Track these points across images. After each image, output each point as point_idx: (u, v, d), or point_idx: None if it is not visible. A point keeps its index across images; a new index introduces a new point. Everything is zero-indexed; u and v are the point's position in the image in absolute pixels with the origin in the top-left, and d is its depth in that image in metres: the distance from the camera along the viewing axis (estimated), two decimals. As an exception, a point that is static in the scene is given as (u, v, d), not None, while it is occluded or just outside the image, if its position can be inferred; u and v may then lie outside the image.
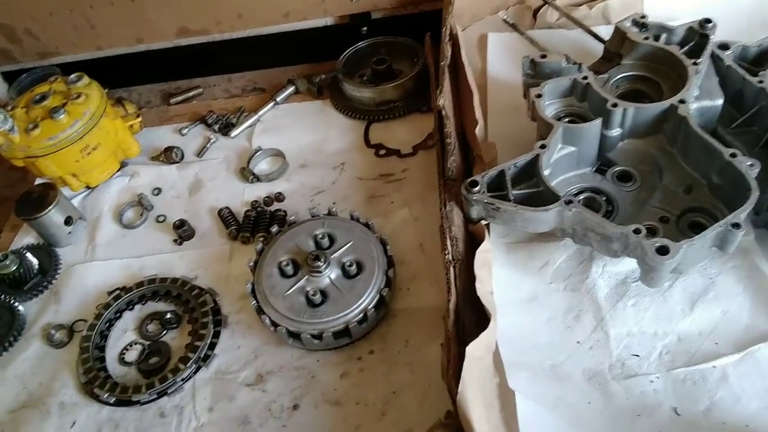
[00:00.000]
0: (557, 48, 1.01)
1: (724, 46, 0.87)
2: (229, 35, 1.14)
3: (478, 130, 0.87)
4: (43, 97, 0.95)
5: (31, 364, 0.83)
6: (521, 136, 0.93)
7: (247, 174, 0.99)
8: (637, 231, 0.70)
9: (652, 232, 0.75)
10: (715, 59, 0.86)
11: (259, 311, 0.77)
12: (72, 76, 0.98)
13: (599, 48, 0.95)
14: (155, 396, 0.77)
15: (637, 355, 0.74)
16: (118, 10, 1.08)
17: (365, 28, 1.13)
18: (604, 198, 0.82)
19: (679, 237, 0.74)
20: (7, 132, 0.90)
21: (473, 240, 0.80)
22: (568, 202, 0.73)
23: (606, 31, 0.99)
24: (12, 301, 0.88)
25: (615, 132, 0.83)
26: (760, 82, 0.82)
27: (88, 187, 1.03)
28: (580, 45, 1.03)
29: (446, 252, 0.73)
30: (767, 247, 0.79)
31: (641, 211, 0.79)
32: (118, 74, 1.18)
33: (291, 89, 1.11)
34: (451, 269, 0.71)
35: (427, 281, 0.83)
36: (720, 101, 0.83)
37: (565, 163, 0.84)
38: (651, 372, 0.72)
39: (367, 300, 0.76)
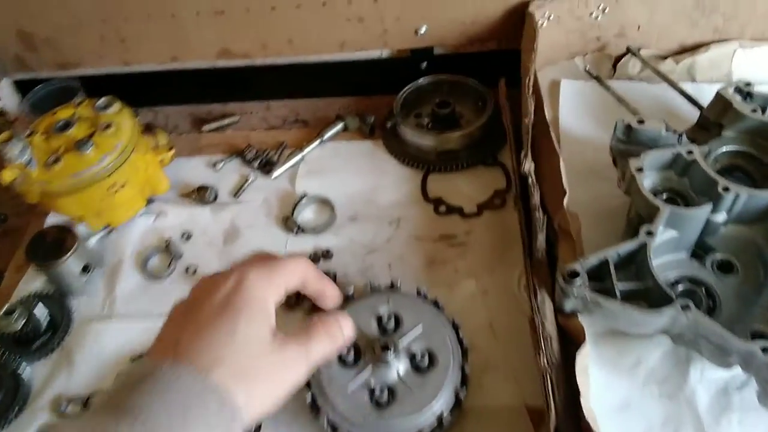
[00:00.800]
0: (639, 104, 0.92)
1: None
2: (274, 60, 1.03)
3: (565, 201, 0.78)
4: (67, 125, 0.84)
5: (36, 446, 0.72)
6: (602, 203, 0.84)
7: (291, 224, 0.89)
8: (765, 349, 0.61)
9: (763, 339, 0.66)
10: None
11: (314, 407, 0.67)
12: (101, 100, 0.87)
13: (684, 106, 0.88)
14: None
15: (743, 482, 0.65)
16: (155, 24, 0.98)
17: (425, 63, 1.03)
18: (704, 290, 0.73)
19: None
20: (24, 165, 0.79)
21: (563, 334, 0.70)
22: (685, 307, 0.64)
23: (692, 89, 0.91)
24: (17, 364, 0.76)
25: (720, 216, 0.74)
26: None
27: (107, 226, 0.91)
28: (665, 102, 0.94)
29: (540, 354, 0.63)
30: None
31: (747, 311, 0.70)
32: (142, 91, 1.08)
33: (340, 126, 1.00)
34: (548, 378, 0.62)
35: (500, 374, 0.73)
36: (833, 185, 0.75)
37: (662, 248, 0.74)
38: (760, 504, 0.63)
39: (442, 401, 0.66)
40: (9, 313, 0.76)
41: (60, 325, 0.81)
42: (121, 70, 1.06)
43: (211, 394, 0.46)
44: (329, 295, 0.64)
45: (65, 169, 0.80)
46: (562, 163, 0.82)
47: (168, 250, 0.88)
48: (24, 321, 0.77)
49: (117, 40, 1.00)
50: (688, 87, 0.93)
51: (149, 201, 0.94)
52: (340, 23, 0.97)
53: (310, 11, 0.96)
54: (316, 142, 1.00)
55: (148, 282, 0.87)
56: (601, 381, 0.72)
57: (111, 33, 0.99)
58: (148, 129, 0.95)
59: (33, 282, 0.87)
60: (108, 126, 0.84)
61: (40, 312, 0.80)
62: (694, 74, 0.98)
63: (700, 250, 0.76)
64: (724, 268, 0.75)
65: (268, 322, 0.53)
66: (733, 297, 0.72)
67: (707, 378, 0.72)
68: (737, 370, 0.71)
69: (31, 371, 0.78)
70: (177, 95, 1.10)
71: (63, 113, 0.87)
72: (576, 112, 0.96)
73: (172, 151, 0.94)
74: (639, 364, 0.73)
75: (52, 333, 0.80)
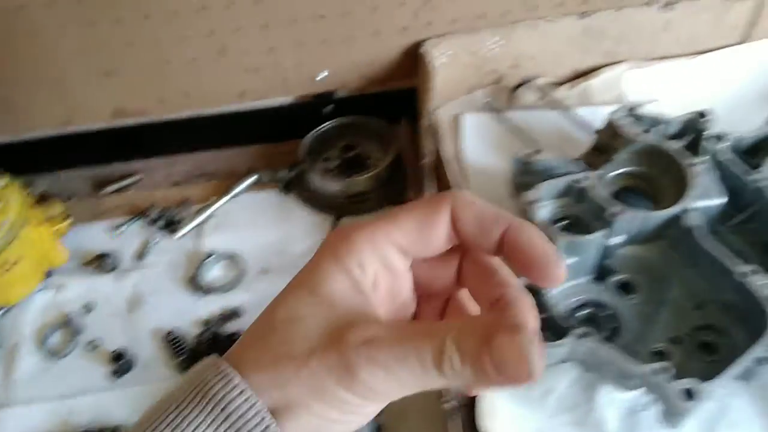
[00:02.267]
0: (538, 131, 0.97)
1: (718, 138, 0.84)
2: (174, 115, 1.03)
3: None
4: (-52, 203, 0.82)
5: None
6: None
7: (196, 285, 0.88)
8: (660, 371, 0.64)
9: (664, 357, 0.70)
10: (711, 152, 0.83)
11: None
12: (-15, 176, 0.85)
13: (581, 131, 0.93)
14: None
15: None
16: (44, 89, 0.97)
17: (329, 107, 1.05)
18: (607, 313, 0.76)
19: (691, 361, 0.70)
20: None
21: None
22: (583, 335, 0.67)
23: (587, 113, 0.96)
24: None
25: (617, 240, 0.78)
26: (757, 181, 0.79)
27: (2, 306, 0.89)
28: (562, 128, 0.99)
29: (444, 399, 0.65)
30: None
31: (649, 329, 0.74)
32: (38, 158, 1.06)
33: (251, 180, 1.01)
34: (453, 420, 0.63)
35: (420, 416, 0.74)
36: (721, 200, 0.79)
37: (563, 275, 0.77)
38: None
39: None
40: None
41: (-46, 417, 0.78)
42: (12, 139, 1.04)
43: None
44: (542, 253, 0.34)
45: (-53, 251, 0.78)
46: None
47: (69, 326, 0.87)
48: None
49: (4, 109, 0.99)
50: (584, 111, 0.98)
51: (47, 274, 0.92)
52: (237, 74, 0.98)
53: (205, 63, 0.97)
54: (225, 198, 1.00)
55: (49, 361, 0.85)
56: (513, 415, 0.74)
57: (-4, 101, 0.98)
58: (43, 199, 0.94)
59: (-77, 373, 0.84)
60: (-7, 203, 0.82)
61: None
62: (589, 98, 1.03)
63: (601, 273, 0.80)
64: (625, 288, 0.78)
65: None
66: (635, 317, 0.76)
67: (614, 400, 0.74)
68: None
69: None
70: (75, 159, 1.08)
71: (-56, 191, 0.85)
72: (480, 145, 1.00)
73: (69, 221, 0.93)
74: (549, 394, 0.76)
75: (-56, 427, 0.78)
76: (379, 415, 0.65)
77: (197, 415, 0.31)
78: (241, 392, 0.31)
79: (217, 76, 0.99)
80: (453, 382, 0.31)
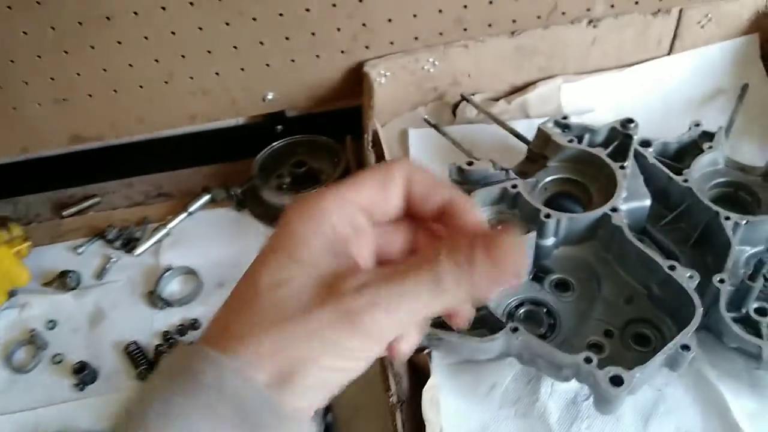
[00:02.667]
0: (479, 144, 1.02)
1: (645, 143, 0.91)
2: (130, 139, 1.07)
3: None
4: None
5: None
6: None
7: (155, 299, 0.91)
8: (588, 360, 0.69)
9: (598, 349, 0.75)
10: (639, 157, 0.89)
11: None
12: (-57, 201, 0.88)
13: (518, 142, 0.97)
14: None
15: (595, 485, 0.72)
16: (-1, 118, 0.99)
17: (280, 127, 1.10)
18: (545, 310, 0.81)
19: (625, 352, 0.75)
20: None
21: (414, 368, 0.76)
22: (514, 330, 0.72)
23: (526, 125, 1.02)
24: None
25: (549, 241, 0.84)
26: (685, 181, 0.85)
27: (-33, 326, 0.91)
28: (501, 140, 1.04)
29: (390, 393, 0.69)
30: (709, 350, 0.80)
31: (584, 324, 0.79)
32: (-2, 183, 1.08)
33: (206, 198, 1.05)
34: (398, 414, 0.67)
35: (371, 414, 0.78)
36: (648, 202, 0.85)
37: (502, 276, 0.82)
38: (611, 503, 0.70)
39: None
40: None
41: None
42: (-32, 165, 1.07)
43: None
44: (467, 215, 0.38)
45: None
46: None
47: (33, 342, 0.89)
48: None
49: (-40, 138, 1.01)
50: (522, 124, 1.03)
51: (11, 294, 0.95)
52: (186, 98, 1.02)
53: (153, 89, 1.00)
54: (182, 216, 1.04)
55: (14, 376, 0.87)
56: (459, 410, 0.78)
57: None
58: (2, 223, 0.96)
59: None
60: (-49, 227, 0.85)
61: None
62: (527, 111, 1.09)
63: (540, 273, 0.85)
64: (561, 287, 0.84)
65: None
66: (571, 313, 0.81)
67: (556, 392, 0.80)
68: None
69: None
70: (34, 184, 1.11)
71: None
72: (425, 159, 1.05)
73: (28, 243, 0.96)
74: (494, 388, 0.80)
75: None
76: (329, 412, 0.68)
77: (196, 408, 0.32)
78: (234, 371, 0.32)
79: (167, 100, 1.03)
80: (453, 297, 0.34)
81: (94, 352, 0.88)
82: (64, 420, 0.81)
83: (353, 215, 0.37)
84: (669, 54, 1.11)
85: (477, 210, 0.38)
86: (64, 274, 0.95)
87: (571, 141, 0.90)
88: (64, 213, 1.08)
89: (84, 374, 0.84)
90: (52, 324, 0.92)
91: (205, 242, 1.01)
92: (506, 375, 0.81)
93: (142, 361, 0.85)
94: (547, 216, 0.81)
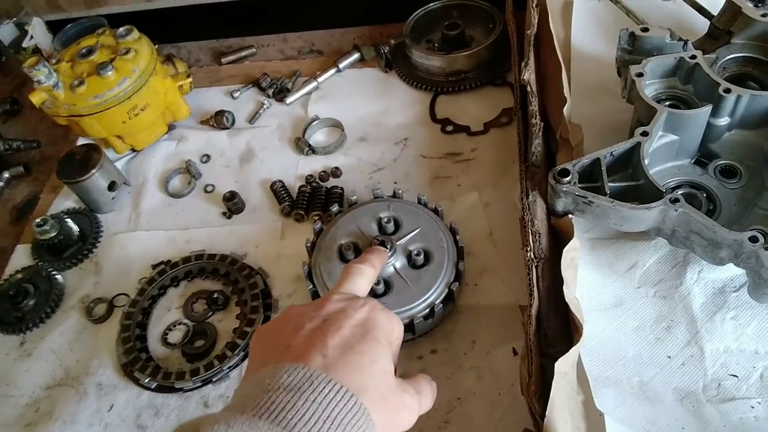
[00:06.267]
0: (653, 20, 0.91)
1: None
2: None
3: (566, 110, 0.79)
4: (90, 51, 0.90)
5: (68, 339, 0.80)
6: (608, 117, 0.85)
7: (302, 145, 0.93)
8: (753, 239, 0.62)
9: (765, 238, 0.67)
10: None
11: (316, 297, 0.72)
12: (121, 29, 0.92)
13: (696, 20, 0.87)
14: (199, 384, 0.72)
15: (735, 376, 0.66)
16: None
17: (436, -11, 1.04)
18: (705, 195, 0.74)
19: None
20: (51, 87, 0.86)
21: (556, 235, 0.73)
22: (674, 201, 0.65)
23: (706, 3, 0.89)
24: (51, 270, 0.84)
25: (723, 121, 0.75)
26: None
27: (133, 150, 0.98)
28: (677, 16, 0.93)
29: (528, 249, 0.66)
30: None
31: (747, 213, 0.71)
32: (166, 29, 1.12)
33: (356, 56, 1.04)
34: (534, 269, 0.65)
35: (497, 277, 0.77)
36: None
37: (663, 152, 0.75)
38: (752, 396, 0.65)
39: (435, 294, 0.70)
40: (41, 225, 0.83)
41: (89, 237, 0.88)
42: (144, 7, 1.11)
43: (365, 418, 0.46)
44: None
45: (88, 91, 0.86)
46: (564, 74, 0.83)
47: (188, 171, 0.94)
48: (55, 232, 0.84)
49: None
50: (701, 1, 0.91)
51: (171, 127, 1.00)
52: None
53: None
54: (332, 71, 1.03)
55: (170, 199, 0.93)
56: (596, 282, 0.74)
57: (134, -29, 1.04)
58: (168, 59, 1.00)
59: (65, 201, 0.94)
60: (127, 51, 0.89)
61: (71, 225, 0.87)
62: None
63: (704, 158, 0.77)
64: (727, 173, 0.75)
65: (393, 359, 0.52)
66: (734, 201, 0.73)
67: (704, 279, 0.73)
68: (734, 272, 0.72)
69: (62, 278, 0.85)
70: (198, 31, 1.14)
71: (87, 42, 0.93)
72: (588, 31, 0.96)
73: (190, 78, 0.99)
74: (635, 267, 0.75)
75: (81, 244, 0.87)
76: (461, 260, 0.65)
77: None
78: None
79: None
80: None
81: (243, 186, 0.92)
82: (212, 241, 0.86)
83: None
84: None
85: None
86: (220, 114, 0.99)
87: (764, 15, 0.78)
88: (223, 60, 1.11)
89: (233, 202, 0.87)
90: (206, 158, 0.97)
91: (351, 98, 1.00)
92: (650, 256, 0.75)
93: (285, 198, 0.87)
94: (727, 90, 0.72)
